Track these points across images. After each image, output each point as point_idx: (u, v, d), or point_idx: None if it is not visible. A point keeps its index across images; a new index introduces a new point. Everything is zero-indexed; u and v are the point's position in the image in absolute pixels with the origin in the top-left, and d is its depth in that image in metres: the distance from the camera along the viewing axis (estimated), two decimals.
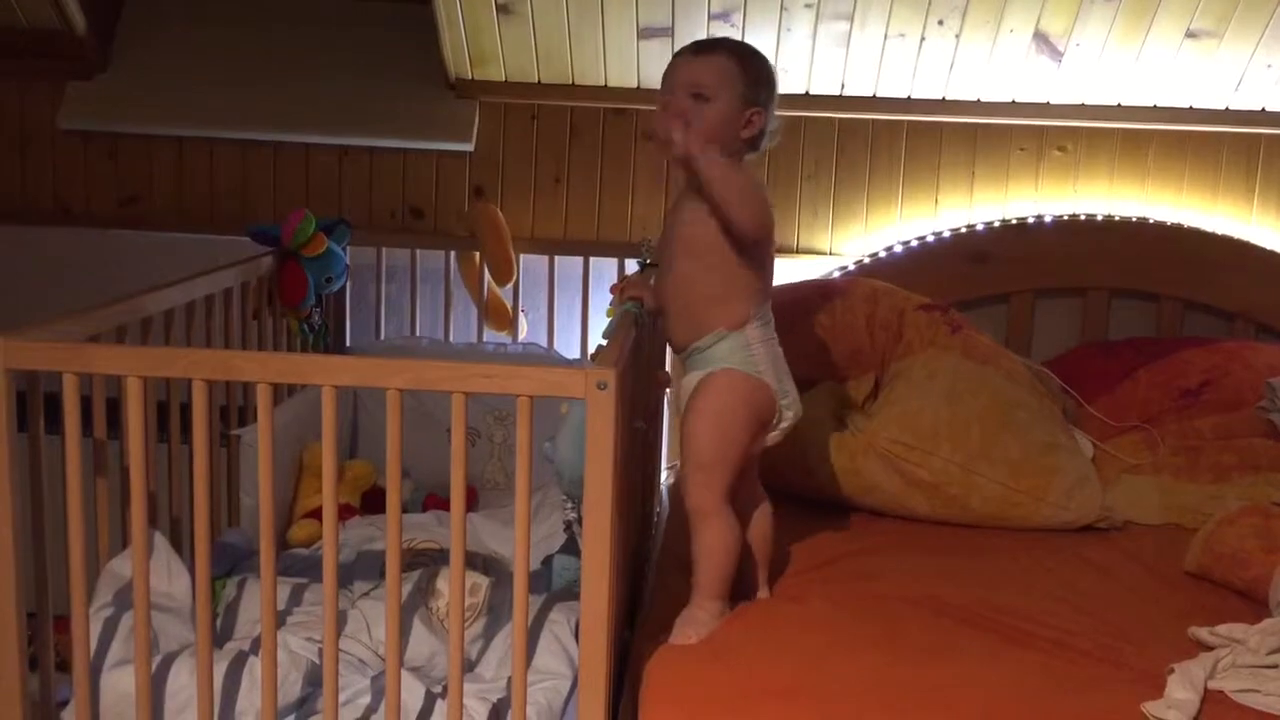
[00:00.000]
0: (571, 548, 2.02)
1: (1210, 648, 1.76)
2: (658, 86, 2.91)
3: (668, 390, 2.63)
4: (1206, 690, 1.62)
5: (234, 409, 2.35)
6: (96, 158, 3.16)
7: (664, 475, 2.78)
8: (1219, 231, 2.94)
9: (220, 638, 1.84)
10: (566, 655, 1.77)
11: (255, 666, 1.65)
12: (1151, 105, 2.95)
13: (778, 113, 1.91)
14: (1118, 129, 2.98)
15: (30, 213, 3.17)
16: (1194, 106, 2.94)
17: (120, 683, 1.62)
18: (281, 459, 2.30)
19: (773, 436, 1.92)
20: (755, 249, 1.85)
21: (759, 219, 1.82)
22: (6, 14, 2.99)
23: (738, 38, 2.81)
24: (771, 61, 1.92)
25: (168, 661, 1.65)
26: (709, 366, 1.86)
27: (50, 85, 3.13)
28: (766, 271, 1.91)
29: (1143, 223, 2.94)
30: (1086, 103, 2.96)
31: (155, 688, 1.61)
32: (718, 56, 1.85)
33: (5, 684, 1.57)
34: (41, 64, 3.10)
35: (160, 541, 1.82)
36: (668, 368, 2.63)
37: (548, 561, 2.06)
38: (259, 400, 1.53)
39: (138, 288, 1.97)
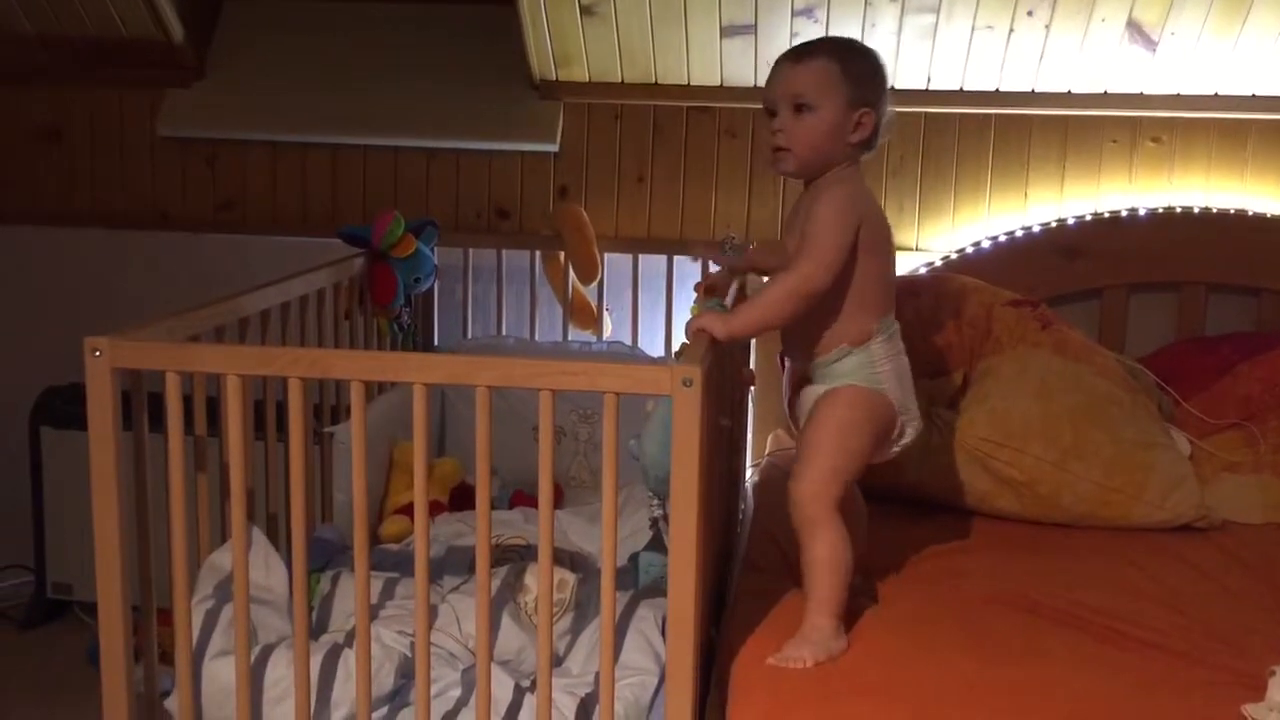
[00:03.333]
0: (657, 545, 2.03)
1: None
2: (740, 84, 2.98)
3: (752, 387, 2.63)
4: None
5: (326, 407, 2.40)
6: (193, 164, 3.25)
7: (749, 473, 2.77)
8: None
9: (315, 630, 1.88)
10: (653, 651, 1.78)
11: (350, 659, 1.69)
12: (1250, 94, 2.87)
13: (893, 108, 1.86)
14: (1215, 119, 2.91)
15: (130, 218, 3.26)
16: None
17: (220, 673, 1.67)
18: (372, 456, 2.34)
19: (891, 452, 1.89)
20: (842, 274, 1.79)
21: (809, 293, 1.75)
22: (107, 24, 3.09)
23: (823, 33, 2.80)
24: (879, 54, 1.86)
25: (266, 653, 1.70)
26: (834, 381, 1.83)
27: (149, 93, 3.22)
28: (888, 283, 1.86)
29: (1241, 215, 2.86)
30: (1182, 93, 2.89)
31: (254, 678, 1.65)
32: (817, 61, 1.79)
33: (111, 675, 1.62)
34: (141, 73, 3.20)
35: (258, 536, 1.87)
36: (752, 365, 2.62)
37: (634, 558, 2.07)
38: (352, 398, 1.56)
39: (235, 290, 2.02)
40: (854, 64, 1.81)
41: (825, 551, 1.74)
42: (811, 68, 1.79)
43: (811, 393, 1.87)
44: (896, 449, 1.89)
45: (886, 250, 1.87)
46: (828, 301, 1.80)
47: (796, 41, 2.81)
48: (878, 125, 1.83)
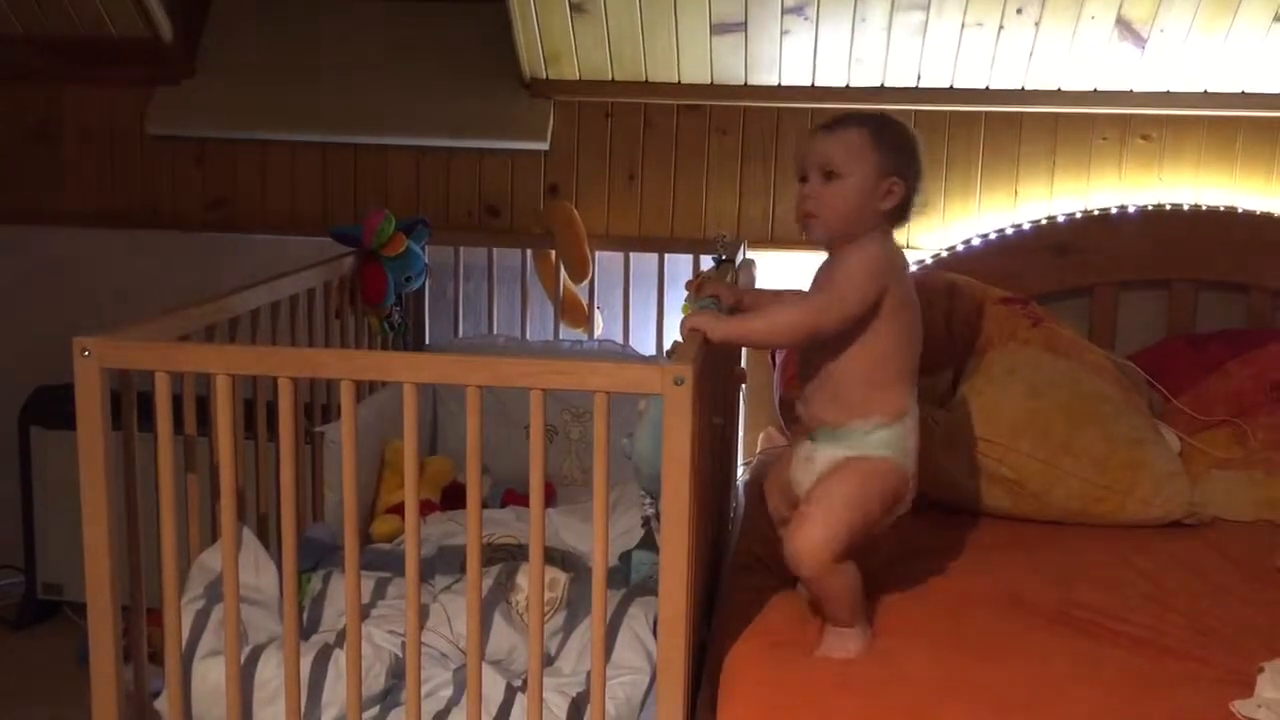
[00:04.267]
0: (649, 543, 2.03)
1: None
2: (731, 82, 2.98)
3: (744, 386, 2.63)
4: None
5: (317, 406, 2.40)
6: (184, 162, 3.24)
7: (740, 471, 2.77)
8: None
9: (306, 630, 1.88)
10: (645, 650, 1.78)
11: (340, 659, 1.69)
12: (1239, 91, 2.88)
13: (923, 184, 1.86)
14: (1204, 116, 2.91)
15: (120, 216, 3.25)
16: None
17: (211, 673, 1.66)
18: (363, 455, 2.34)
19: (887, 523, 1.86)
20: (844, 332, 1.79)
21: (803, 335, 1.77)
22: (96, 23, 3.08)
23: (813, 31, 2.80)
24: (912, 130, 1.86)
25: (256, 653, 1.69)
26: (864, 450, 1.80)
27: (138, 92, 3.21)
28: (915, 351, 1.85)
29: (1231, 212, 2.87)
30: (1171, 90, 2.89)
31: (244, 678, 1.65)
32: (848, 131, 1.80)
33: (101, 674, 1.62)
34: (130, 71, 3.19)
35: (248, 536, 1.87)
36: (743, 363, 2.62)
37: (626, 557, 2.07)
38: (342, 397, 1.56)
39: (225, 289, 2.02)
40: (885, 134, 1.82)
41: (831, 592, 1.76)
42: (843, 136, 1.81)
43: (827, 452, 1.83)
44: (891, 520, 1.87)
45: (915, 319, 1.85)
46: (861, 365, 1.80)
47: (787, 39, 2.83)
48: (909, 196, 1.83)
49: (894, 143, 1.82)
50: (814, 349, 1.86)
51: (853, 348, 1.80)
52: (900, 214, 1.84)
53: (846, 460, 1.80)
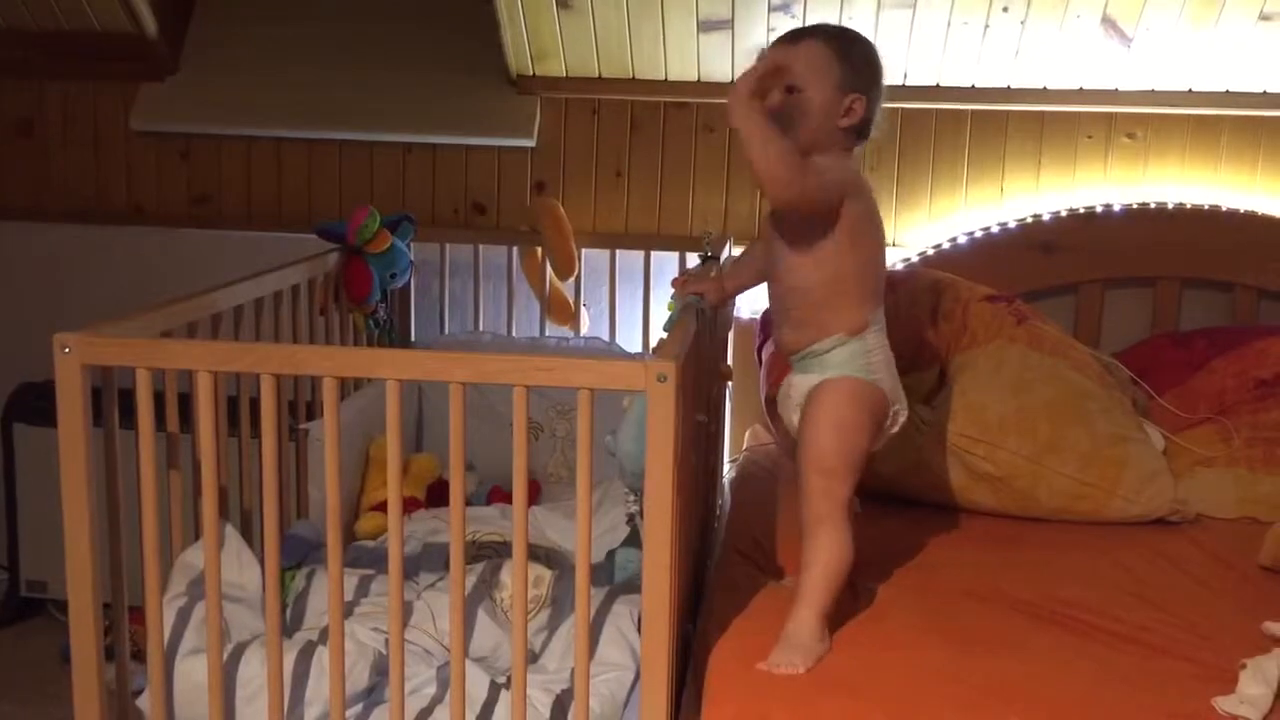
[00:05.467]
0: (634, 540, 2.03)
1: None
2: (718, 79, 2.98)
3: (729, 383, 2.63)
4: None
5: (302, 403, 2.39)
6: (168, 158, 3.23)
7: (726, 468, 2.77)
8: None
9: (289, 628, 1.88)
10: (629, 647, 1.78)
11: (323, 656, 1.68)
12: (1224, 90, 2.89)
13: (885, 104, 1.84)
14: (1189, 115, 2.92)
15: (104, 213, 3.24)
16: (1268, 91, 2.87)
17: (193, 671, 1.66)
18: (348, 453, 2.34)
19: (882, 440, 1.87)
20: (804, 224, 1.77)
21: (783, 182, 1.69)
22: (80, 18, 3.06)
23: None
24: (875, 46, 1.84)
25: (239, 651, 1.69)
26: (826, 372, 1.81)
27: (123, 87, 3.20)
28: (880, 274, 1.85)
29: (1215, 210, 2.88)
30: (1156, 89, 2.90)
31: (226, 676, 1.64)
32: (811, 42, 1.78)
33: (83, 672, 1.61)
34: (114, 67, 3.17)
35: (231, 533, 1.86)
36: (729, 361, 2.62)
37: (610, 554, 2.07)
38: (326, 394, 1.56)
39: (208, 285, 2.01)
40: (848, 50, 1.80)
41: (826, 555, 1.74)
42: (804, 50, 1.78)
43: (802, 383, 1.85)
44: (887, 436, 1.88)
45: (878, 239, 1.86)
46: (821, 288, 1.80)
47: (774, 36, 2.81)
48: (869, 116, 1.82)
49: (857, 59, 1.80)
50: (775, 278, 1.85)
51: (809, 268, 1.80)
52: (860, 132, 1.82)
53: (816, 388, 1.81)
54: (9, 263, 3.19)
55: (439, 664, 1.79)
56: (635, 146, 3.09)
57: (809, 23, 2.79)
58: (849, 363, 1.81)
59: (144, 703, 1.67)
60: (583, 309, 2.99)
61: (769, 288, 1.93)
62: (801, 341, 1.84)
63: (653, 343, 2.86)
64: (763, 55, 1.82)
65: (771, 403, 2.64)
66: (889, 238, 3.00)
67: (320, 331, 2.53)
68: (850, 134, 1.82)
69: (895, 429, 1.88)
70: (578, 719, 1.56)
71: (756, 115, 1.70)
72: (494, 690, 1.69)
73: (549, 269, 2.93)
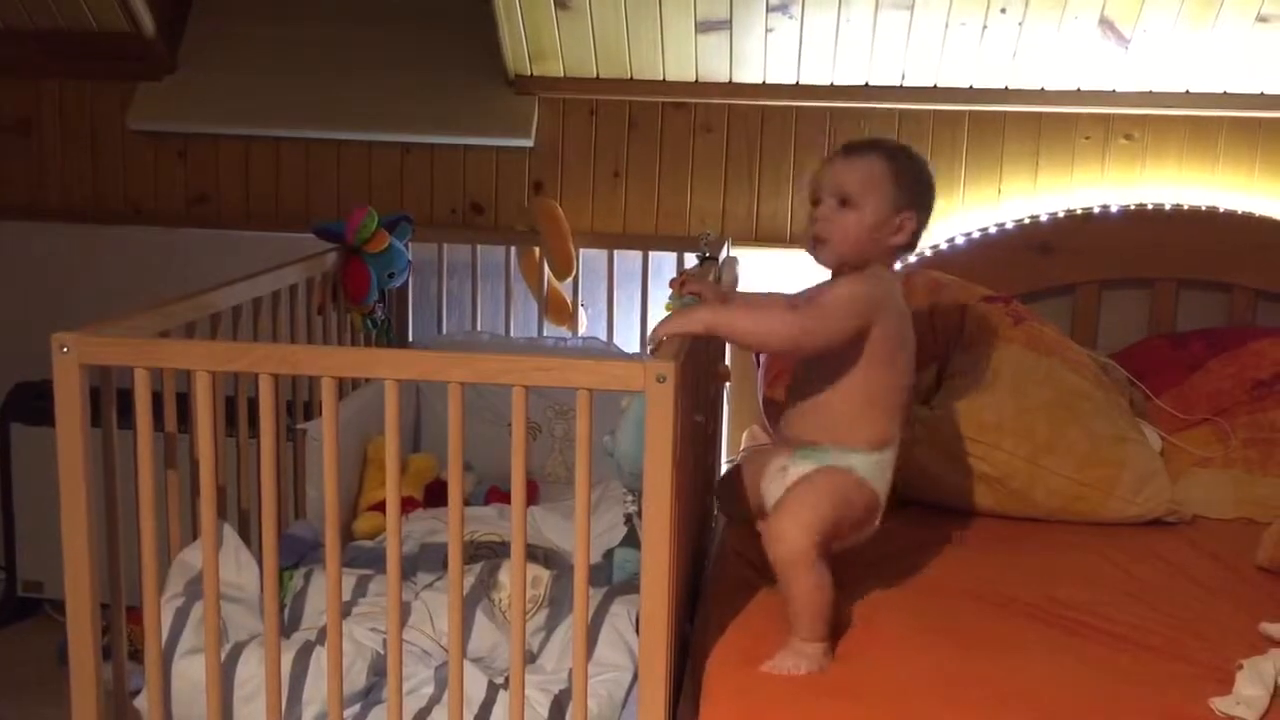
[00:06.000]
0: (632, 540, 2.03)
1: None
2: (716, 80, 2.98)
3: (727, 383, 2.63)
4: (1276, 686, 1.59)
5: (300, 403, 2.39)
6: (166, 158, 3.23)
7: (724, 468, 2.77)
8: None
9: (287, 628, 1.87)
10: (627, 648, 1.78)
11: (321, 656, 1.68)
12: (1221, 91, 2.89)
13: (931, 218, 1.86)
14: (1186, 116, 2.93)
15: (101, 212, 3.24)
16: (1265, 93, 2.87)
17: (191, 671, 1.65)
18: (346, 452, 2.34)
19: (847, 544, 1.85)
20: (838, 357, 1.78)
21: (790, 341, 1.76)
22: (77, 18, 3.06)
23: (798, 29, 2.80)
24: (929, 164, 1.86)
25: (236, 650, 1.69)
26: (838, 463, 1.80)
27: (120, 87, 3.20)
28: (907, 389, 1.85)
29: (1212, 212, 2.89)
30: (1154, 90, 2.91)
31: (224, 676, 1.64)
32: (867, 160, 1.79)
33: (80, 672, 1.61)
34: (111, 66, 3.17)
35: (229, 533, 1.86)
36: (727, 361, 2.62)
37: (609, 554, 2.07)
38: (324, 394, 1.56)
39: (206, 285, 2.01)
40: (904, 168, 1.81)
41: (807, 595, 1.72)
42: (862, 165, 1.79)
43: (800, 465, 1.83)
44: (856, 541, 1.87)
45: (908, 357, 1.85)
46: (851, 392, 1.79)
47: (771, 37, 2.83)
48: (918, 230, 1.83)
49: (911, 177, 1.82)
50: (806, 374, 1.85)
51: (844, 379, 1.80)
52: (908, 248, 1.84)
53: (819, 469, 1.81)
54: (6, 262, 3.19)
55: (437, 664, 1.79)
56: (633, 147, 3.09)
57: (806, 24, 2.80)
58: (865, 470, 1.81)
59: (141, 703, 1.67)
60: (581, 309, 2.99)
61: (796, 377, 1.91)
62: (820, 437, 1.83)
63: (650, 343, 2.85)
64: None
65: (770, 403, 2.64)
66: None
67: (318, 331, 2.53)
68: (897, 251, 1.83)
69: (863, 538, 1.87)
70: (576, 719, 1.56)
71: (721, 318, 1.74)
72: (492, 690, 1.69)
73: (547, 269, 2.93)
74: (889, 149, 1.83)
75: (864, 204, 1.78)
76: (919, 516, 2.33)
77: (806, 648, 1.71)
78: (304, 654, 1.71)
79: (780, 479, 1.85)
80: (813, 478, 1.80)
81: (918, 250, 2.94)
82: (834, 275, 1.86)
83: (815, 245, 1.83)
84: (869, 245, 1.80)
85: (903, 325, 1.84)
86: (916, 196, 1.81)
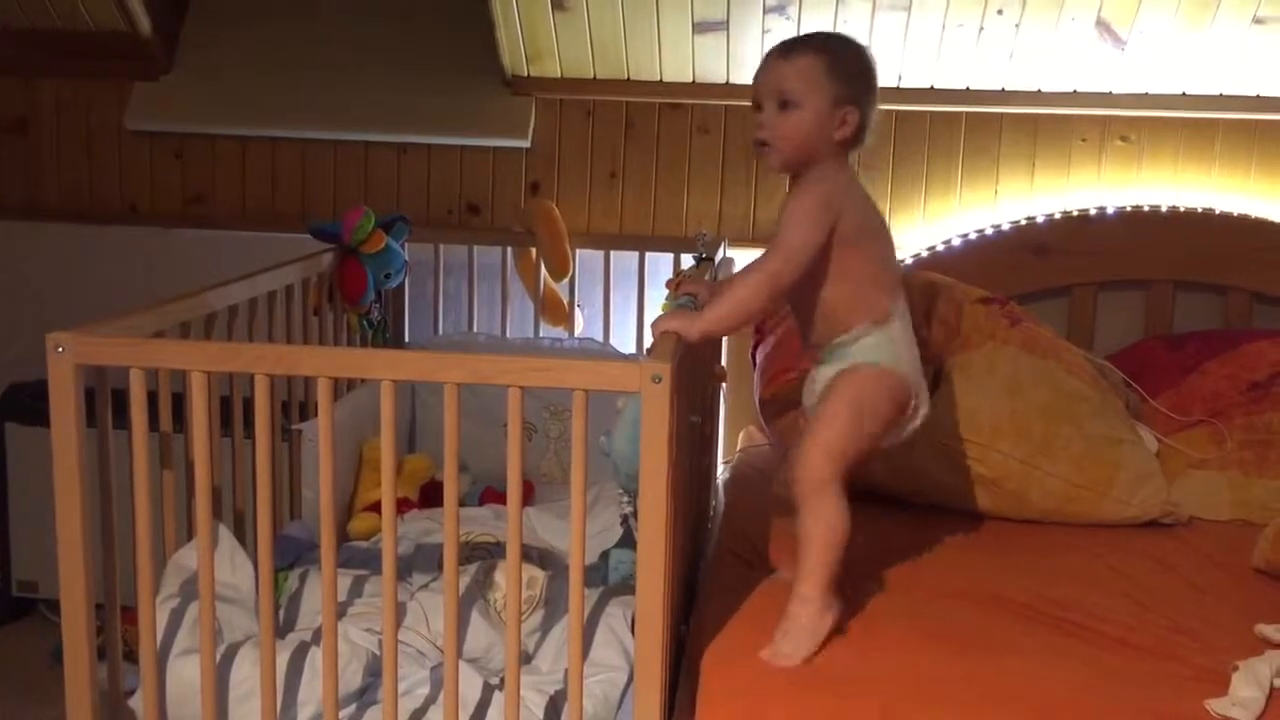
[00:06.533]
0: (628, 541, 2.03)
1: (1277, 645, 1.73)
2: (713, 81, 2.98)
3: (723, 384, 2.63)
4: (1272, 688, 1.59)
5: (295, 403, 2.39)
6: (162, 158, 3.22)
7: (720, 469, 2.77)
8: None
9: (282, 628, 1.87)
10: (623, 648, 1.78)
11: (316, 657, 1.68)
12: (1218, 94, 2.89)
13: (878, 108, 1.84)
14: (1182, 118, 2.93)
15: (98, 212, 3.23)
16: (1261, 95, 2.88)
17: (185, 672, 1.65)
18: (342, 453, 2.34)
19: (903, 435, 1.87)
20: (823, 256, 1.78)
21: (773, 286, 1.75)
22: (73, 17, 3.06)
23: (795, 30, 2.80)
24: (869, 52, 1.84)
25: (231, 651, 1.69)
26: (851, 360, 1.81)
27: (117, 87, 3.19)
28: (894, 267, 1.86)
29: (1209, 213, 2.89)
30: (1150, 92, 2.91)
31: (219, 677, 1.64)
32: (804, 57, 1.78)
33: (75, 673, 1.61)
34: (108, 66, 3.17)
35: (224, 534, 1.86)
36: (723, 362, 2.62)
37: (604, 555, 2.07)
38: (319, 395, 1.55)
39: (202, 285, 2.01)
40: (841, 61, 1.79)
41: (821, 528, 1.72)
42: (798, 64, 1.78)
43: (827, 372, 1.84)
44: (908, 432, 1.88)
45: (882, 234, 1.86)
46: (838, 282, 1.80)
47: (768, 38, 2.83)
48: (864, 124, 1.81)
49: (850, 70, 1.80)
50: (794, 290, 1.85)
51: (827, 279, 1.80)
52: (855, 141, 1.82)
53: (840, 374, 1.81)
54: (2, 262, 3.18)
55: (432, 665, 1.79)
56: (630, 147, 3.09)
57: (804, 25, 2.80)
58: (874, 350, 1.81)
59: (136, 703, 1.67)
60: (577, 310, 2.99)
61: (790, 299, 1.92)
62: (828, 337, 1.84)
63: (647, 343, 2.85)
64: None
65: (765, 404, 2.64)
66: None
67: (314, 332, 2.53)
68: (845, 145, 1.82)
69: (915, 424, 1.88)
70: (571, 719, 1.57)
71: (707, 321, 1.74)
72: (487, 691, 1.69)
73: (543, 270, 2.93)
74: (823, 43, 1.81)
75: (804, 103, 1.77)
76: (915, 517, 2.33)
77: (802, 606, 1.69)
78: (299, 654, 1.70)
79: (813, 390, 1.86)
80: (834, 386, 1.80)
81: (915, 253, 2.95)
82: (790, 183, 1.85)
83: (761, 151, 1.82)
84: (815, 144, 1.78)
85: (864, 205, 1.84)
86: (856, 89, 1.79)
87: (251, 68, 3.16)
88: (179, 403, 1.81)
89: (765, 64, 1.82)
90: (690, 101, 3.04)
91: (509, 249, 3.00)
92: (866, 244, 1.82)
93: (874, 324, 1.81)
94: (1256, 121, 2.91)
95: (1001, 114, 2.98)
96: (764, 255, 1.79)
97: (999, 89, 2.94)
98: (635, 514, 1.73)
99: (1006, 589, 1.96)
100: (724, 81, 2.99)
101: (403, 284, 2.93)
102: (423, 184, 3.16)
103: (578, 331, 2.98)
